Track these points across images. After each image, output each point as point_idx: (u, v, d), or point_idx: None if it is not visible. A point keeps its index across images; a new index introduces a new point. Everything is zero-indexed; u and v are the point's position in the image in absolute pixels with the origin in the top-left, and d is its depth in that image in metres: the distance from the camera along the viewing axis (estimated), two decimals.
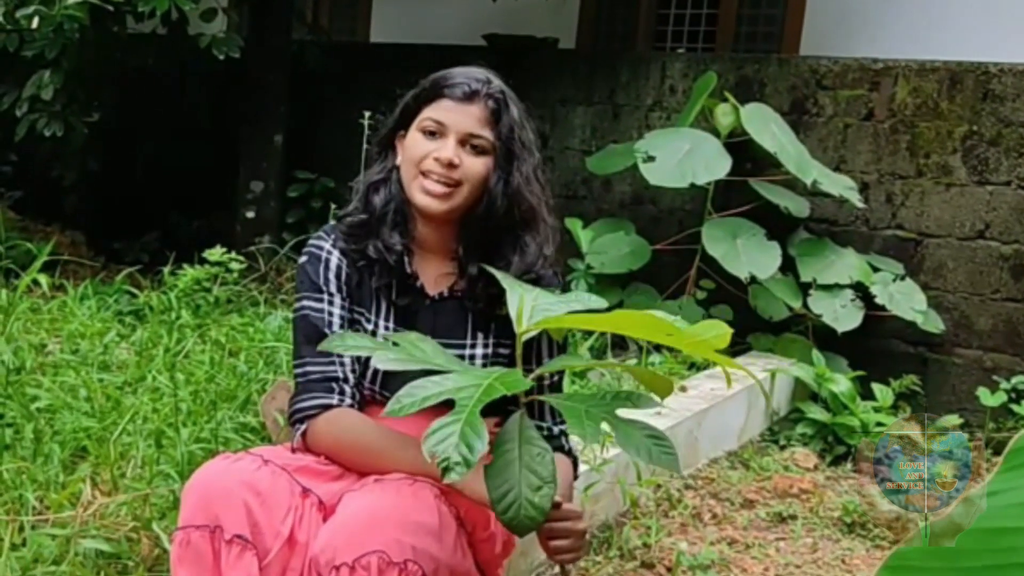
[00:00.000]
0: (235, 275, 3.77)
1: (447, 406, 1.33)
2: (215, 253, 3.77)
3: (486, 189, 1.64)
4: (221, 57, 4.19)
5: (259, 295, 3.87)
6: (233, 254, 3.82)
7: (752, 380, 3.59)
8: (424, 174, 1.62)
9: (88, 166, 5.33)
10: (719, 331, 1.33)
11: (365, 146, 3.36)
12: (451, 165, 1.61)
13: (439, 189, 1.61)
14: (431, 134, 1.64)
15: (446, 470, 1.24)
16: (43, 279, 3.37)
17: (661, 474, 2.95)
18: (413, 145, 1.65)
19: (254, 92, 5.04)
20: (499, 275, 1.56)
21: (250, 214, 5.01)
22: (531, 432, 1.41)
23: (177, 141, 5.70)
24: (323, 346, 1.50)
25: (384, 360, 1.41)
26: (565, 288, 1.79)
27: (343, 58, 5.60)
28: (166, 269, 3.80)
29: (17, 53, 4.27)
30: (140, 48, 4.84)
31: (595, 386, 3.33)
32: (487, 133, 1.64)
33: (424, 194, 1.62)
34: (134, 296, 3.77)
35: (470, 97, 1.63)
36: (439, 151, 1.61)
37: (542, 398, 1.62)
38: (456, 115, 1.63)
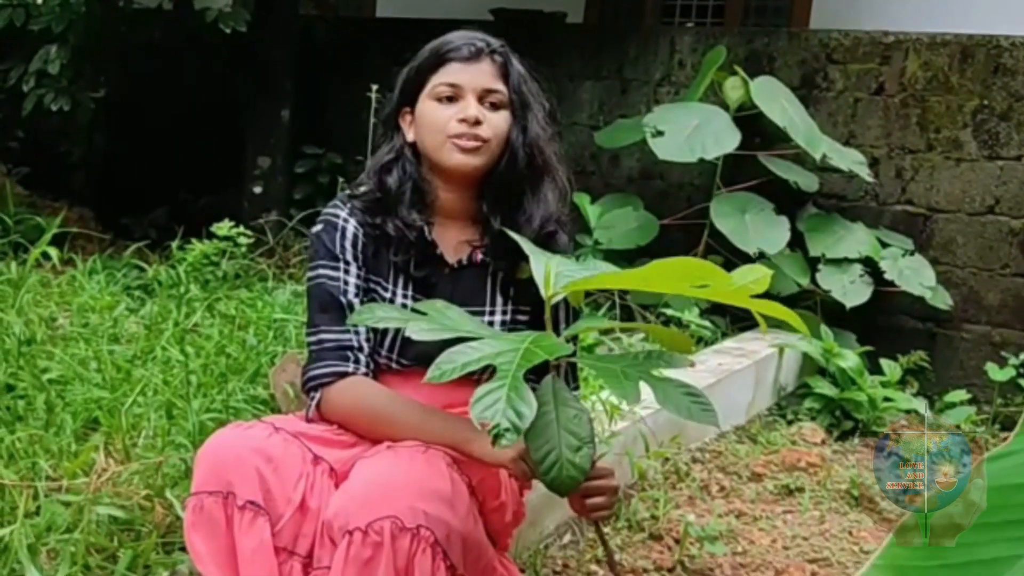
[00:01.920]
0: (243, 249, 3.78)
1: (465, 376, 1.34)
2: (223, 227, 3.77)
3: (508, 143, 1.65)
4: (228, 31, 4.17)
5: (267, 269, 3.88)
6: (241, 228, 3.82)
7: (761, 355, 3.60)
8: (451, 137, 1.62)
9: (95, 141, 5.33)
10: (758, 275, 1.29)
11: (372, 121, 3.35)
12: (478, 122, 1.61)
13: (471, 144, 1.61)
14: (447, 99, 1.63)
15: (497, 436, 1.26)
16: (53, 252, 3.37)
17: (669, 447, 2.96)
18: (430, 114, 1.64)
19: (261, 67, 5.03)
20: (521, 241, 1.56)
21: (257, 189, 5.01)
22: (566, 394, 1.43)
23: (184, 116, 5.69)
24: (352, 320, 1.50)
25: (418, 330, 1.42)
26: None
27: (349, 33, 5.58)
28: (174, 244, 3.81)
29: (23, 28, 4.25)
30: (146, 22, 4.82)
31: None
32: (501, 87, 1.64)
33: (459, 153, 1.62)
34: (143, 271, 3.78)
35: (476, 56, 1.64)
36: (462, 112, 1.61)
37: (575, 360, 1.62)
38: (468, 75, 1.63)
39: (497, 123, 1.63)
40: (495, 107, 1.64)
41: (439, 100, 1.63)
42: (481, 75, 1.63)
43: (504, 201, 1.67)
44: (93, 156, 5.53)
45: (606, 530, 2.51)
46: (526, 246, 1.55)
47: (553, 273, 1.47)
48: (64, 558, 1.66)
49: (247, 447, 1.48)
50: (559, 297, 1.49)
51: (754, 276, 1.29)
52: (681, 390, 1.44)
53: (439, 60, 1.65)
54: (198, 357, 2.65)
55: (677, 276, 1.36)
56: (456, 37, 1.66)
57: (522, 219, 1.66)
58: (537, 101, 1.69)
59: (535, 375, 1.49)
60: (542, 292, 1.47)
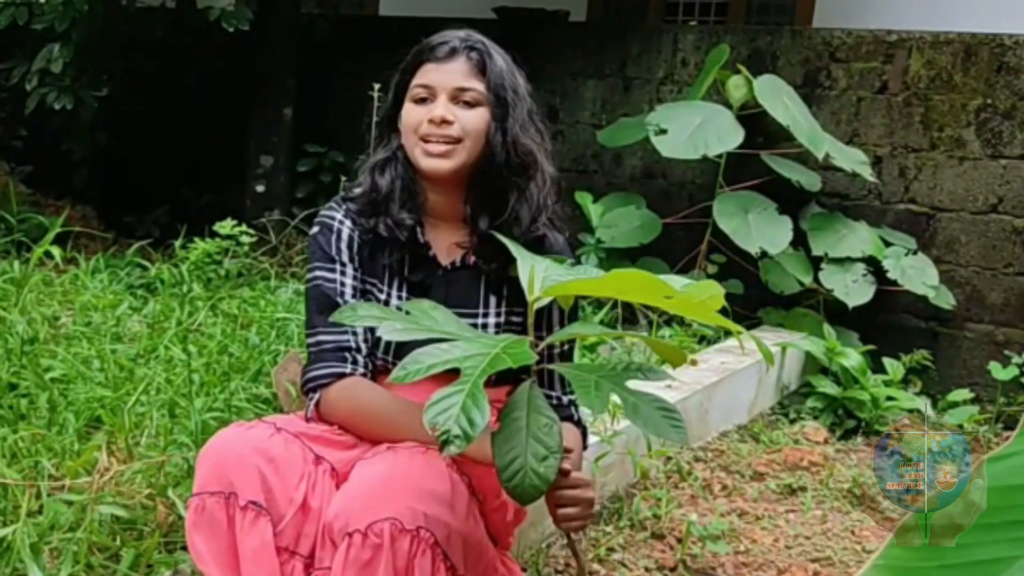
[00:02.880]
0: (245, 248, 3.78)
1: (457, 374, 1.33)
2: (226, 226, 3.77)
3: (487, 142, 1.63)
4: (231, 30, 4.17)
5: (270, 268, 3.88)
6: (243, 227, 3.83)
7: (762, 354, 3.59)
8: (423, 139, 1.61)
9: (97, 140, 5.33)
10: (713, 292, 1.35)
11: (375, 119, 3.35)
12: (445, 122, 1.60)
13: (440, 148, 1.60)
14: (422, 100, 1.63)
15: (445, 443, 1.25)
16: (56, 251, 3.38)
17: (671, 446, 2.95)
18: (407, 115, 1.64)
19: (263, 66, 5.03)
20: (509, 244, 1.56)
21: (260, 188, 5.01)
22: (540, 402, 1.41)
23: (186, 115, 5.69)
24: (334, 317, 1.49)
25: (391, 330, 1.41)
26: (575, 259, 1.78)
27: (352, 31, 5.57)
28: (177, 242, 3.81)
29: (27, 26, 4.26)
30: (149, 21, 4.82)
31: (605, 359, 3.33)
32: (476, 84, 1.62)
33: (427, 157, 1.61)
34: (145, 269, 3.79)
35: (451, 54, 1.63)
36: (431, 112, 1.61)
37: (553, 367, 1.61)
38: (440, 74, 1.62)
39: (471, 120, 1.61)
40: (470, 105, 1.62)
41: (415, 102, 1.63)
42: (453, 74, 1.62)
43: (489, 201, 1.66)
44: (96, 155, 5.52)
45: (607, 529, 2.51)
46: (512, 247, 1.54)
47: (539, 277, 1.45)
48: (67, 557, 1.67)
49: (249, 447, 1.48)
50: (543, 302, 1.48)
51: (709, 293, 1.36)
52: (653, 404, 1.42)
53: (417, 61, 1.65)
54: (200, 356, 2.66)
55: (637, 287, 1.40)
56: (435, 37, 1.66)
57: (510, 219, 1.65)
58: (520, 97, 1.66)
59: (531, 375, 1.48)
60: (527, 296, 1.46)
